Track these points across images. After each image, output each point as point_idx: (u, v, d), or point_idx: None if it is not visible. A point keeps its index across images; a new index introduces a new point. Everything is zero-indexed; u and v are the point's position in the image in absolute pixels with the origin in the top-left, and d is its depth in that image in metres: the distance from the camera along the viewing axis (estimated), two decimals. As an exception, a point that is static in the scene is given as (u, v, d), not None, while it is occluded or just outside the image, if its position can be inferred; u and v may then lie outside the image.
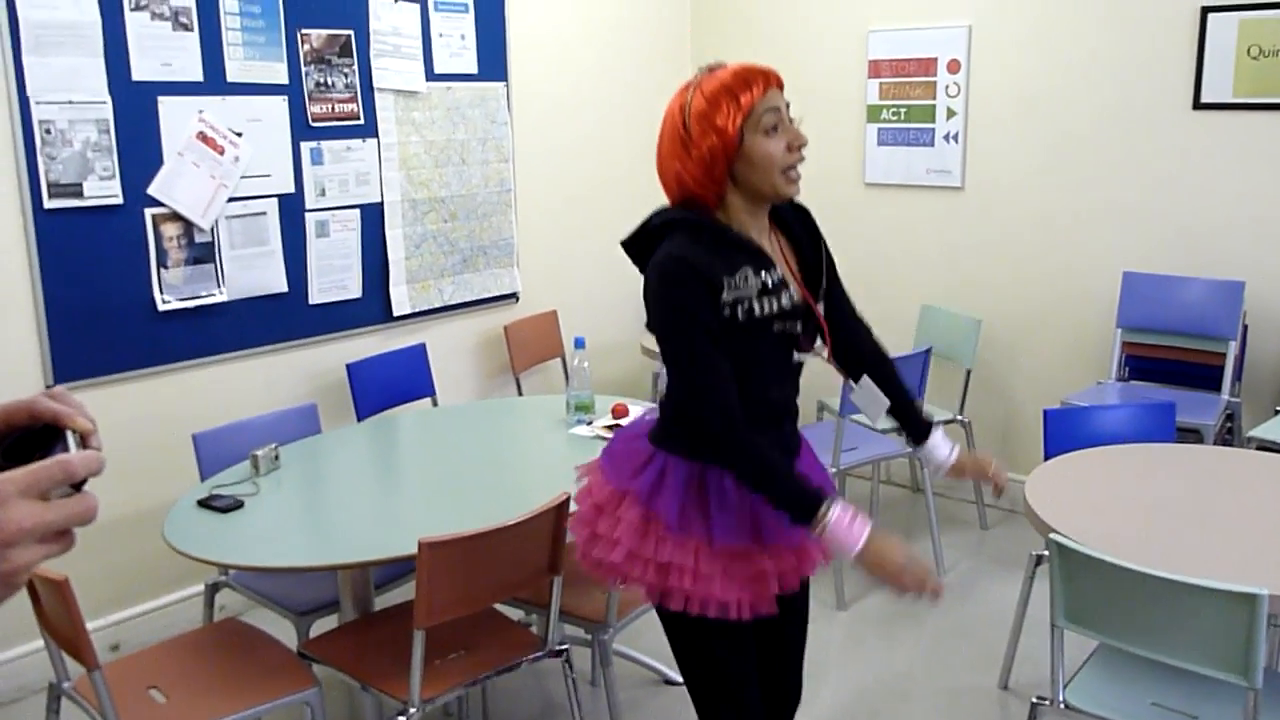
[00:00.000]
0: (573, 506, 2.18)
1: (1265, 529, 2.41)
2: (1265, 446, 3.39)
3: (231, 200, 3.67)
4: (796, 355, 2.02)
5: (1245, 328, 3.97)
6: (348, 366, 3.93)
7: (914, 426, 2.25)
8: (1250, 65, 3.88)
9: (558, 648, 2.66)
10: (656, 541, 1.93)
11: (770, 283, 1.90)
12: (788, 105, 1.95)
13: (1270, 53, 3.83)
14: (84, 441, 0.91)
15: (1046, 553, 2.27)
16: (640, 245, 2.01)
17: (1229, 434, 3.92)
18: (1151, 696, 2.33)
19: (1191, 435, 3.62)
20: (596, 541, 2.00)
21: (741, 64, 1.93)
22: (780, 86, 1.94)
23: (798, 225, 2.07)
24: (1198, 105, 4.01)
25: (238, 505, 2.73)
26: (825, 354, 2.08)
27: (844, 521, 1.82)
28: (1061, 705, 2.31)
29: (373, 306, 4.18)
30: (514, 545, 2.40)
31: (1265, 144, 3.88)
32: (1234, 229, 3.98)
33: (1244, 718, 2.05)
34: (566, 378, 4.70)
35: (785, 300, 1.91)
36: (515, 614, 2.91)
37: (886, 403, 2.20)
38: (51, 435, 0.87)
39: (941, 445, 2.22)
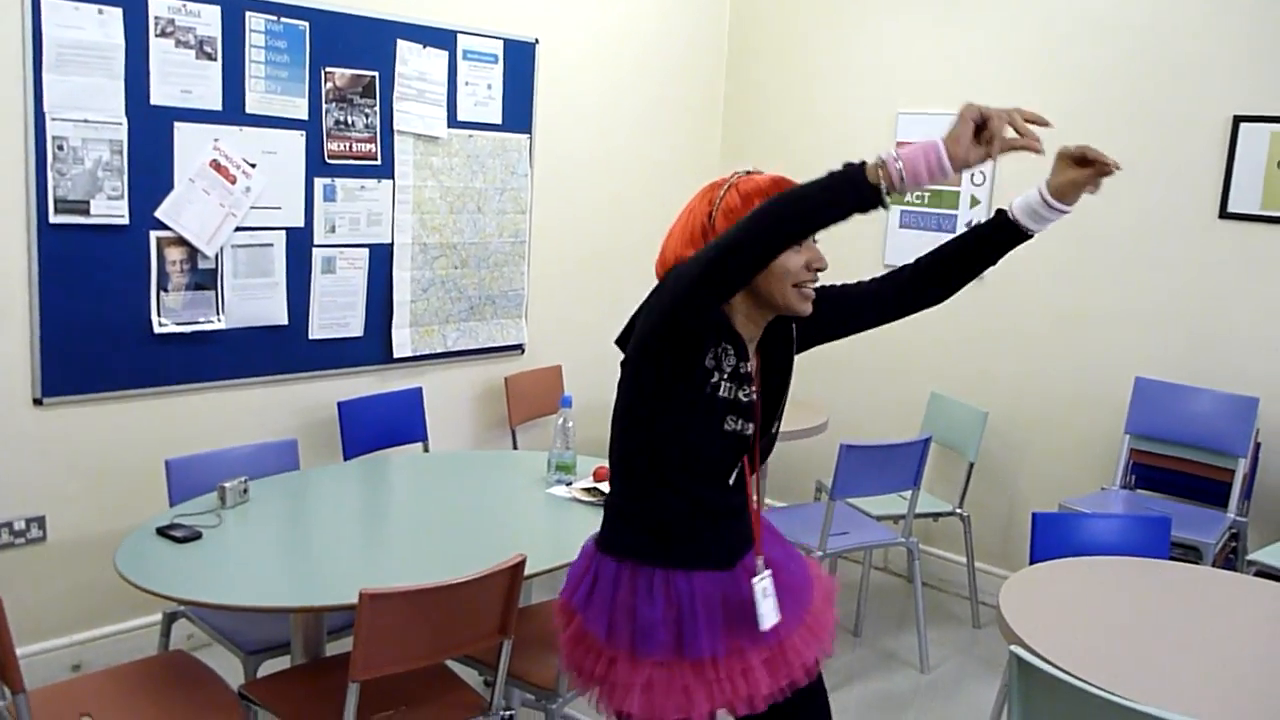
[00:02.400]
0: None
1: (1244, 662, 2.29)
2: (1265, 573, 3.27)
3: (239, 230, 3.68)
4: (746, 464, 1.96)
5: (1258, 445, 3.85)
6: (339, 404, 3.91)
7: (1001, 231, 2.16)
8: None
9: (504, 714, 2.58)
10: (587, 653, 1.95)
11: (741, 370, 1.91)
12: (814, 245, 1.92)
13: (1301, 167, 3.76)
14: None
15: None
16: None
17: (1232, 554, 3.79)
18: (1111, 827, 2.21)
19: (1191, 553, 3.50)
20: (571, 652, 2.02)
21: (778, 176, 1.92)
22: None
23: (775, 352, 2.04)
24: (1224, 214, 3.93)
25: (195, 536, 2.69)
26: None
27: (907, 145, 1.61)
28: (1014, 827, 2.19)
29: (373, 347, 4.16)
30: (462, 603, 2.34)
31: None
32: (1252, 343, 3.88)
33: None
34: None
35: (744, 395, 1.91)
36: (470, 673, 2.84)
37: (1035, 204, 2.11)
38: None
39: (1025, 201, 2.13)
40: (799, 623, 2.04)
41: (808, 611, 2.08)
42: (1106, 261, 4.19)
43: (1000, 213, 2.13)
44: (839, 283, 2.13)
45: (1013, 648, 2.12)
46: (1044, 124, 1.67)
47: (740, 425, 1.91)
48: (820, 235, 1.85)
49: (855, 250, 4.78)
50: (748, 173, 1.94)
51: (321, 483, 3.29)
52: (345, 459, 3.85)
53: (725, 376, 1.88)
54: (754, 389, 1.93)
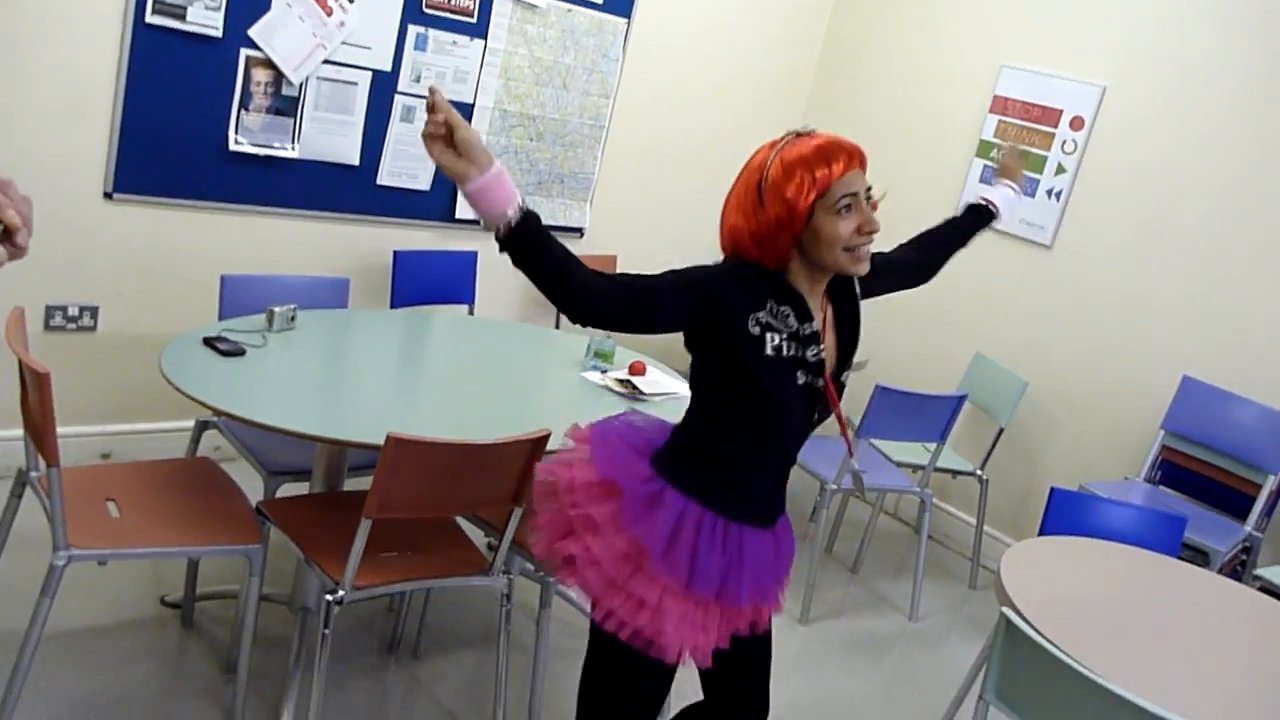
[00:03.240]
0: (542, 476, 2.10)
1: (1227, 666, 2.32)
2: (1269, 589, 3.28)
3: (327, 63, 3.69)
4: (836, 412, 1.99)
5: (1292, 465, 3.82)
6: (394, 253, 3.96)
7: (981, 217, 2.46)
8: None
9: (504, 576, 2.66)
10: (634, 573, 1.89)
11: (804, 332, 1.90)
12: (869, 188, 1.89)
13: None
14: (8, 235, 0.91)
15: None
16: None
17: (1240, 566, 3.79)
18: (1061, 796, 2.27)
19: (1199, 556, 3.51)
20: (569, 539, 1.94)
21: (829, 138, 1.88)
22: (863, 166, 1.88)
23: (845, 302, 2.04)
24: (1311, 229, 3.83)
25: (239, 352, 2.77)
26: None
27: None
28: (968, 777, 2.26)
29: (437, 203, 4.19)
30: (482, 464, 2.40)
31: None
32: (1310, 364, 3.82)
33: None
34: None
35: (811, 354, 1.91)
36: (477, 533, 2.92)
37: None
38: None
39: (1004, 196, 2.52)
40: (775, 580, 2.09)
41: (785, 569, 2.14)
42: (1180, 252, 4.11)
43: (975, 207, 2.48)
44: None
45: (1004, 609, 2.15)
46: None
47: (810, 379, 1.91)
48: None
49: (933, 193, 4.71)
50: (798, 134, 1.89)
51: (367, 325, 3.35)
52: (392, 307, 3.92)
53: (785, 337, 1.88)
54: (821, 347, 1.92)
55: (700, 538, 1.90)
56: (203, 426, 3.14)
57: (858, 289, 2.06)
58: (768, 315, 1.87)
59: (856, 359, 2.10)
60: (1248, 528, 3.76)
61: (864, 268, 1.90)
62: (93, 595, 3.03)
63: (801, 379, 1.90)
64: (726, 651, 2.03)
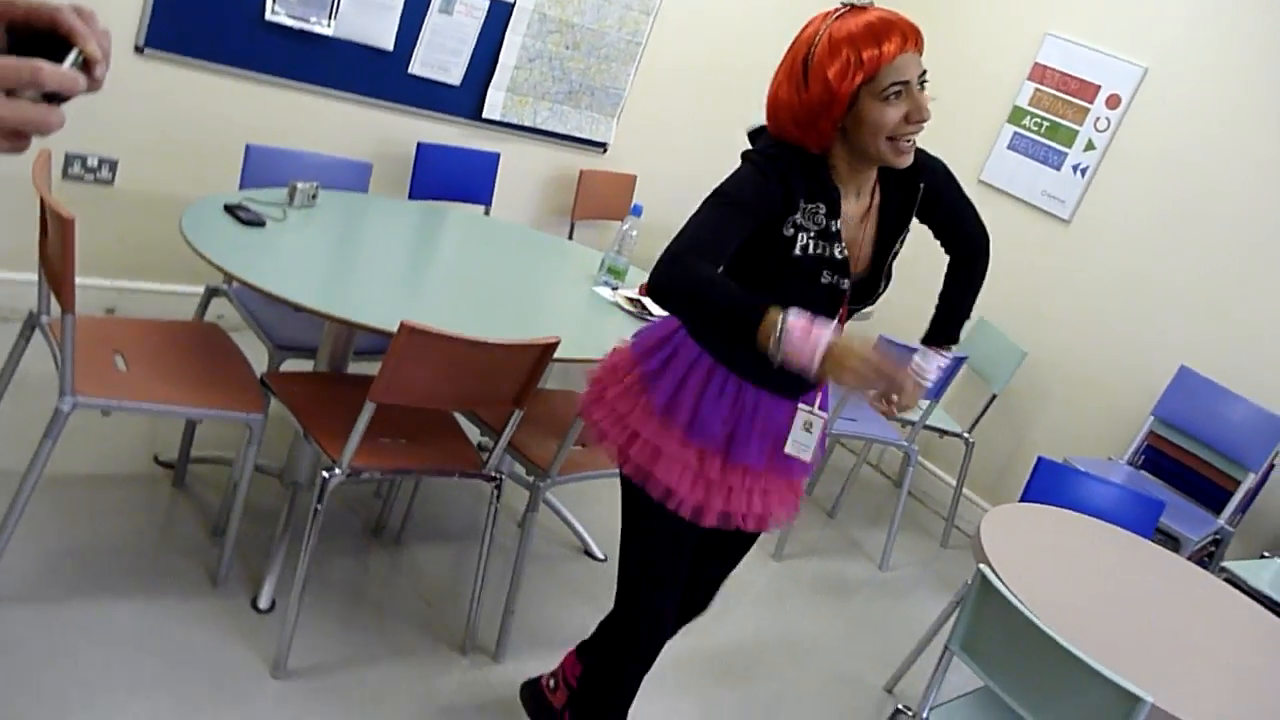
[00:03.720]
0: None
1: (1188, 651, 2.39)
2: (1233, 581, 3.35)
3: (372, -58, 3.63)
4: (842, 312, 1.96)
5: (1272, 466, 3.88)
6: (419, 144, 3.94)
7: (936, 332, 2.25)
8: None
9: (496, 475, 2.71)
10: (654, 424, 1.96)
11: (833, 228, 1.88)
12: (923, 74, 1.80)
13: None
14: (87, 67, 0.91)
15: (974, 582, 2.27)
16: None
17: (1208, 556, 3.87)
18: (1009, 750, 2.36)
19: (1170, 541, 3.58)
20: (598, 403, 2.06)
21: (882, 14, 1.76)
22: (919, 48, 1.79)
23: (897, 202, 2.00)
24: (1330, 237, 3.84)
25: (259, 223, 2.77)
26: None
27: (801, 324, 1.61)
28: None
29: (466, 100, 4.16)
30: (490, 364, 2.43)
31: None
32: (1307, 369, 3.86)
33: (1080, 802, 2.07)
34: (617, 242, 4.68)
35: (838, 252, 1.88)
36: (474, 432, 2.96)
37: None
38: (60, 48, 0.88)
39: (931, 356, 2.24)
40: (789, 484, 2.14)
41: (799, 481, 2.18)
42: (1195, 244, 4.12)
43: (944, 333, 2.29)
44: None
45: (981, 565, 2.21)
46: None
47: (835, 280, 1.89)
48: (927, 140, 1.86)
49: (956, 154, 4.68)
50: (852, 6, 1.79)
51: (385, 212, 3.35)
52: (410, 198, 3.91)
53: (813, 235, 1.85)
54: (844, 245, 1.90)
55: (708, 387, 1.93)
56: (212, 293, 3.15)
57: (919, 195, 1.99)
58: (801, 216, 1.83)
59: (869, 307, 2.09)
60: (1221, 520, 3.83)
61: (906, 160, 1.83)
62: (88, 445, 3.06)
63: (826, 278, 1.88)
64: (708, 544, 2.12)
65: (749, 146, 1.95)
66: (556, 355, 2.52)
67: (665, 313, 1.92)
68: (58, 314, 2.36)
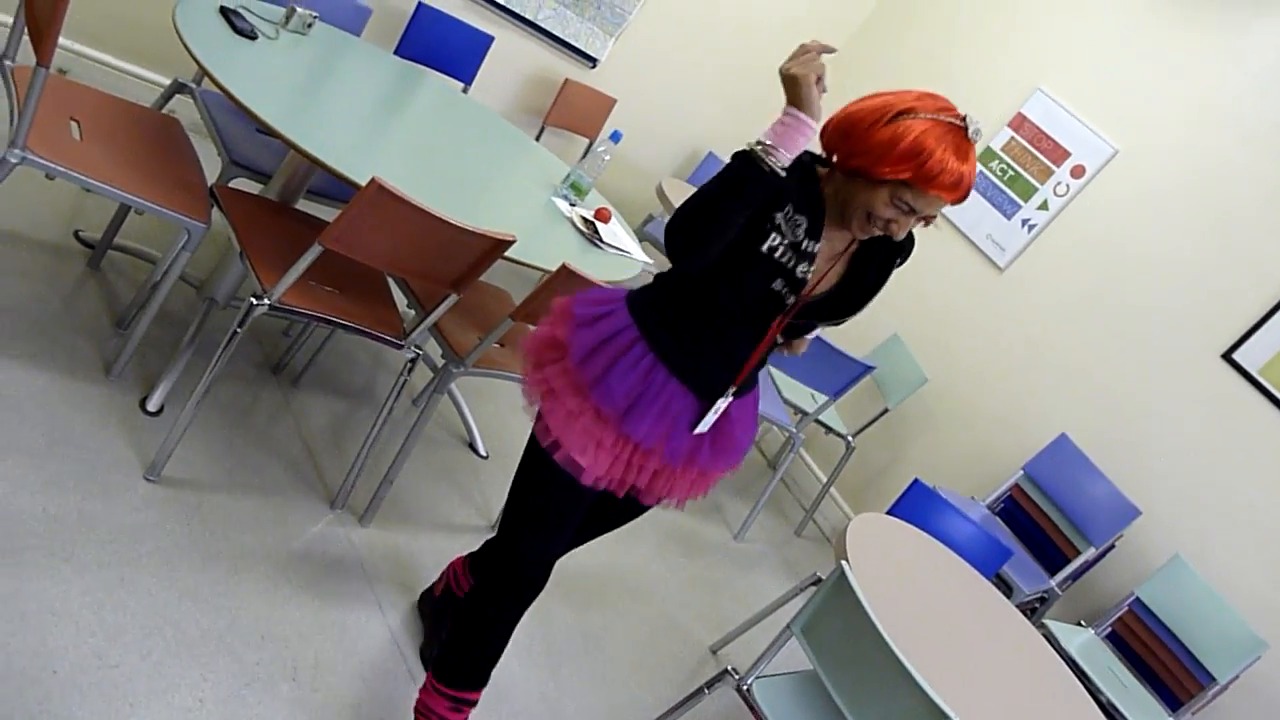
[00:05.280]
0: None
1: (995, 689, 2.58)
2: (1049, 638, 3.61)
3: None
4: (776, 324, 2.00)
5: (1112, 546, 4.15)
6: (419, 4, 3.88)
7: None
8: (1293, 360, 3.95)
9: (415, 349, 2.74)
10: (560, 369, 2.00)
11: (804, 247, 1.91)
12: (934, 217, 1.89)
13: (1316, 362, 3.91)
14: None
15: (822, 579, 2.40)
16: None
17: (1032, 610, 4.13)
18: (813, 732, 2.52)
19: (1005, 588, 3.81)
20: (539, 367, 2.05)
21: (968, 169, 1.81)
22: (956, 202, 1.86)
23: (872, 260, 2.04)
24: (1225, 357, 4.08)
25: (250, 35, 2.72)
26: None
27: (775, 132, 1.78)
28: (745, 687, 2.48)
29: (477, -27, 4.10)
30: (444, 242, 2.44)
31: (1252, 428, 3.99)
32: (1170, 468, 4.11)
33: (865, 793, 2.23)
34: (583, 157, 4.69)
35: (801, 270, 1.92)
36: (401, 302, 2.98)
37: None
38: None
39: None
40: (699, 471, 2.16)
41: (715, 470, 2.19)
42: (1105, 331, 4.34)
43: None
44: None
45: (843, 562, 2.34)
46: (829, 50, 1.80)
47: (784, 290, 1.93)
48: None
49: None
50: (964, 129, 1.82)
51: (372, 61, 3.30)
52: (395, 53, 3.85)
53: (785, 243, 1.89)
54: (811, 268, 1.93)
55: (624, 357, 1.97)
56: (178, 88, 3.07)
57: (893, 268, 2.07)
58: (783, 218, 1.88)
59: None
60: (1053, 582, 4.09)
61: (864, 235, 1.92)
62: (13, 200, 2.98)
63: (778, 285, 1.92)
64: (603, 503, 2.16)
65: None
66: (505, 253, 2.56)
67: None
68: (23, 62, 2.29)
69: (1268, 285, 4.04)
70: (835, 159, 1.90)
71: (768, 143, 1.78)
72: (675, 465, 2.08)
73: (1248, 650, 3.70)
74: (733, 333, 2.00)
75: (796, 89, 1.76)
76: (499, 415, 3.78)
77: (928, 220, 1.88)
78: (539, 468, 2.07)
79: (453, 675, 2.30)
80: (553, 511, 2.13)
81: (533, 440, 2.09)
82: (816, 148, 1.97)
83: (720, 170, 1.80)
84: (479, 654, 2.29)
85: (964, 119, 1.83)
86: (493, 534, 3.08)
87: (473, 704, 2.33)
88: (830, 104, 1.81)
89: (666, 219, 4.95)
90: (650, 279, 2.10)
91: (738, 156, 1.78)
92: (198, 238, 2.54)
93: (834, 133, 1.87)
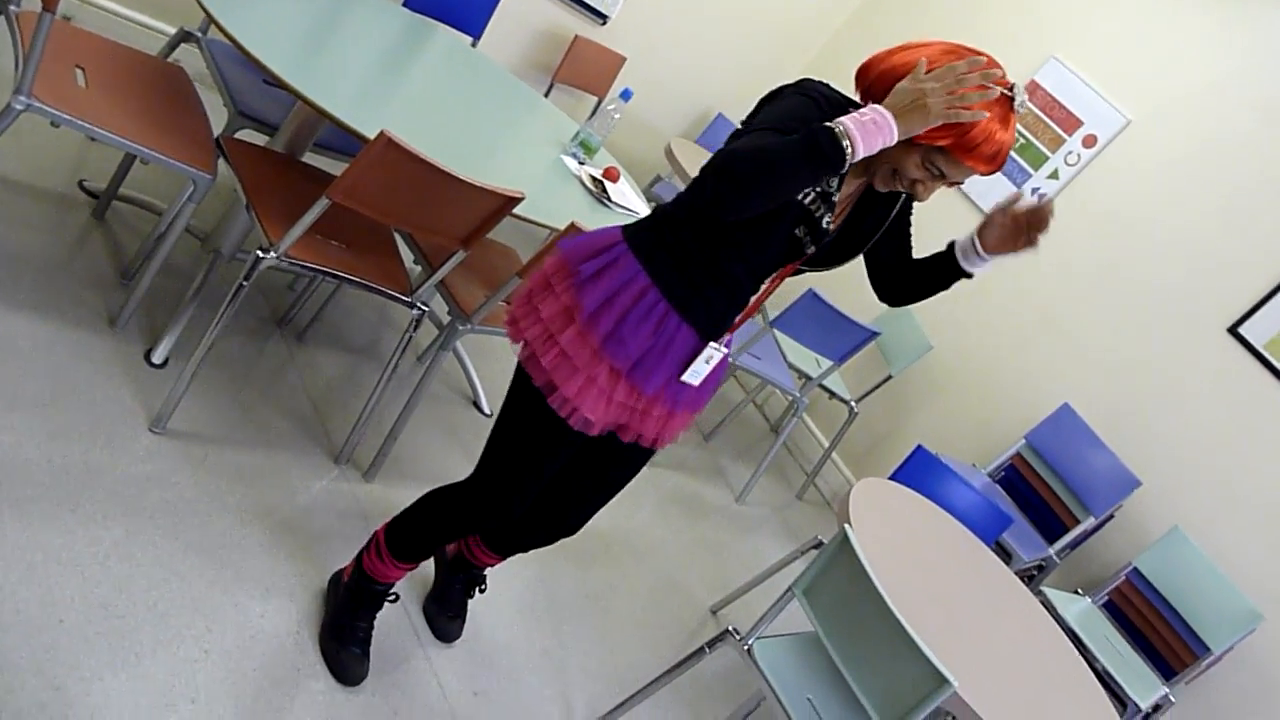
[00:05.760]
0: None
1: (994, 654, 2.60)
2: (1046, 605, 3.63)
3: None
4: (788, 268, 1.99)
5: (1111, 516, 4.16)
6: (430, -46, 3.83)
7: (946, 265, 2.14)
8: (1299, 333, 3.94)
9: (420, 305, 2.73)
10: (573, 331, 1.92)
11: (831, 196, 1.87)
12: (961, 182, 1.85)
13: (1322, 336, 3.90)
14: None
15: (824, 542, 2.41)
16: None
17: (1030, 578, 4.15)
18: (812, 693, 2.54)
19: (1004, 555, 3.83)
20: (527, 310, 1.98)
21: (1006, 143, 1.77)
22: (989, 174, 1.81)
23: (878, 208, 2.02)
24: (1232, 330, 4.07)
25: (259, -15, 2.68)
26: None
27: (860, 123, 1.66)
28: (745, 647, 2.49)
29: (490, -75, 4.04)
30: (453, 198, 2.43)
31: (1255, 402, 3.98)
32: (1173, 441, 4.12)
33: (863, 755, 2.26)
34: (592, 114, 4.65)
35: (825, 219, 1.88)
36: (408, 258, 2.96)
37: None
38: None
39: (963, 243, 2.13)
40: (687, 408, 2.14)
41: (696, 404, 2.18)
42: (1114, 296, 4.33)
43: (950, 246, 2.15)
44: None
45: (845, 526, 2.35)
46: (993, 89, 1.70)
47: (805, 238, 1.90)
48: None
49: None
50: (1011, 102, 1.77)
51: (381, 11, 3.26)
52: (404, 5, 3.81)
53: (817, 192, 1.85)
54: (835, 217, 1.91)
55: (635, 308, 1.91)
56: (184, 37, 3.04)
57: (898, 205, 2.03)
58: None
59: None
60: (1051, 550, 4.11)
61: (884, 189, 1.89)
62: (16, 149, 2.96)
63: (800, 232, 1.89)
64: (595, 453, 2.14)
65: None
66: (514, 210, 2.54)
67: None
68: (28, 7, 2.26)
69: (1276, 260, 4.02)
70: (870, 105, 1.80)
71: (854, 133, 1.65)
72: (675, 409, 2.08)
73: (1243, 622, 3.72)
74: (743, 276, 1.96)
75: (913, 111, 1.66)
76: (505, 374, 3.77)
77: (955, 184, 1.84)
78: (527, 414, 2.01)
79: (394, 539, 2.28)
80: (534, 455, 2.06)
81: (521, 389, 2.02)
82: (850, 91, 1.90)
83: (797, 140, 1.65)
84: (420, 536, 2.24)
85: (1011, 87, 1.77)
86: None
87: (395, 575, 2.32)
88: (857, 49, 1.71)
89: (675, 180, 4.93)
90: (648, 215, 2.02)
91: (826, 136, 1.63)
92: (203, 189, 2.52)
93: (875, 80, 1.79)
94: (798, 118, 1.72)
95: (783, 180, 1.66)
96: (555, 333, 1.92)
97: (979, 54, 1.76)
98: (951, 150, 1.76)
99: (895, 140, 1.68)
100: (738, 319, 2.05)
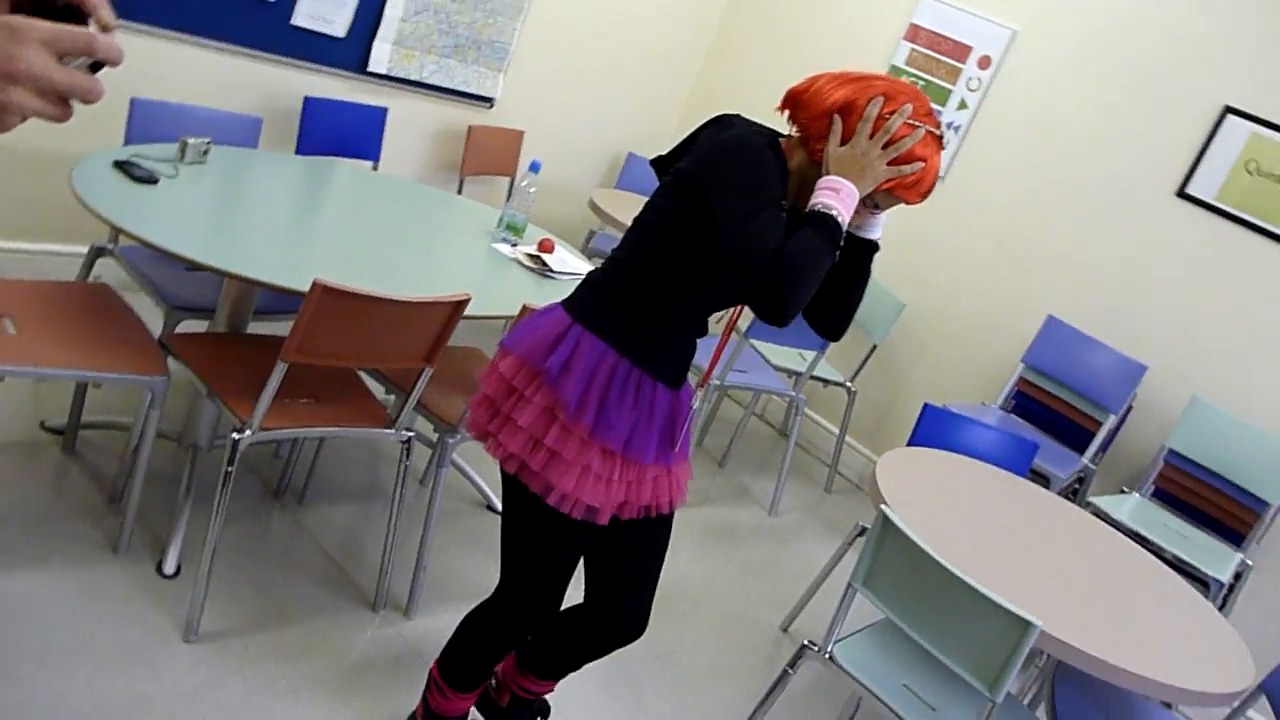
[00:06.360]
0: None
1: (1067, 578, 2.58)
2: (1099, 514, 3.61)
3: (254, -113, 3.52)
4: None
5: (1130, 408, 4.16)
6: (305, 99, 3.86)
7: (849, 250, 2.03)
8: (1243, 178, 3.98)
9: (406, 432, 2.72)
10: (557, 429, 1.90)
11: None
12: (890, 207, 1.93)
13: (1266, 174, 3.94)
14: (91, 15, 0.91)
15: (866, 527, 2.40)
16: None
17: (1073, 493, 4.14)
18: (906, 678, 2.51)
19: (1041, 479, 3.81)
20: (501, 422, 1.95)
21: (933, 175, 1.87)
22: (915, 204, 1.91)
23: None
24: (1181, 193, 4.11)
25: (152, 180, 2.69)
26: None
27: (835, 198, 1.78)
28: (826, 655, 2.46)
29: (351, 53, 4.08)
30: (402, 321, 2.43)
31: (1224, 253, 4.02)
32: (1161, 316, 4.14)
33: (974, 722, 2.23)
34: (509, 196, 4.68)
35: None
36: (378, 390, 2.95)
37: None
38: (72, 17, 0.88)
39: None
40: (679, 458, 2.14)
41: (685, 451, 2.17)
42: (1058, 201, 4.36)
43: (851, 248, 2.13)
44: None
45: (882, 507, 2.34)
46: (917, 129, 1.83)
47: None
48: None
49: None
50: (937, 139, 1.85)
51: (278, 168, 3.28)
52: (297, 153, 3.83)
53: None
54: None
55: (612, 386, 1.90)
56: (96, 253, 3.04)
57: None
58: None
59: None
60: (1085, 459, 4.10)
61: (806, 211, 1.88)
62: (-32, 411, 2.94)
63: None
64: (619, 537, 2.11)
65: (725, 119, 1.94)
66: (468, 312, 2.54)
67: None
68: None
69: (1196, 116, 4.07)
70: (807, 141, 1.87)
71: (844, 213, 1.78)
72: (669, 465, 2.08)
73: (1290, 466, 3.72)
74: (701, 321, 2.01)
75: (863, 178, 1.80)
76: (507, 469, 3.76)
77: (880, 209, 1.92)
78: (529, 517, 1.99)
79: (448, 672, 2.23)
80: (551, 552, 2.03)
81: (514, 485, 1.98)
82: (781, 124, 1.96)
83: (815, 238, 1.73)
84: (471, 662, 2.20)
85: (940, 126, 1.87)
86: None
87: (462, 705, 2.27)
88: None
89: (609, 230, 4.95)
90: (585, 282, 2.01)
91: (835, 223, 1.76)
92: (161, 393, 2.51)
93: (809, 120, 1.85)
94: (773, 179, 1.79)
95: (824, 270, 1.76)
96: (540, 436, 1.90)
97: (901, 86, 1.85)
98: (892, 190, 1.86)
99: (858, 197, 1.81)
100: (714, 356, 2.08)
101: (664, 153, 2.09)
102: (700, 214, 1.84)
